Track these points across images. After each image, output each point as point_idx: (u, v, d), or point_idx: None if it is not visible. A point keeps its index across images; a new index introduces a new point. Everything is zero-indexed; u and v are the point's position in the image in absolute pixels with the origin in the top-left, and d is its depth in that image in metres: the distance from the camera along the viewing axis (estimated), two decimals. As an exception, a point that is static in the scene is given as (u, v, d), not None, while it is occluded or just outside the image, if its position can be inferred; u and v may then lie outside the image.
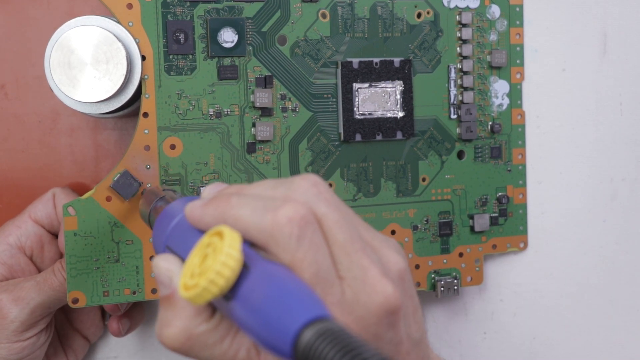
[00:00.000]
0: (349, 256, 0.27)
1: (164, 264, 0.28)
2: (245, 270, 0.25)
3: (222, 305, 0.26)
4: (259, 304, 0.24)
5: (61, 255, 0.44)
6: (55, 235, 0.44)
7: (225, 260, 0.25)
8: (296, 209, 0.26)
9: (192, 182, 0.43)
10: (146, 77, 0.42)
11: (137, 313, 0.46)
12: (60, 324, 0.45)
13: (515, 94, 0.50)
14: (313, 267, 0.26)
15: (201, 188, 0.43)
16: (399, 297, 0.27)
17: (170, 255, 0.29)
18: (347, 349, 0.21)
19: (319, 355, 0.22)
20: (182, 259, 0.29)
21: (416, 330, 0.29)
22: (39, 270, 0.43)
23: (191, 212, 0.29)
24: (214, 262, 0.25)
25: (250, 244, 0.27)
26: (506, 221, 0.50)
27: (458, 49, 0.48)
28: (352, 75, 0.46)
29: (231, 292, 0.25)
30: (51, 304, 0.41)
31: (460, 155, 0.49)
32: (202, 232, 0.28)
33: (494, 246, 0.50)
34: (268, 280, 0.25)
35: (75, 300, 0.41)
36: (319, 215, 0.27)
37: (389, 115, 0.47)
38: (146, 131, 0.42)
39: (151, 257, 0.42)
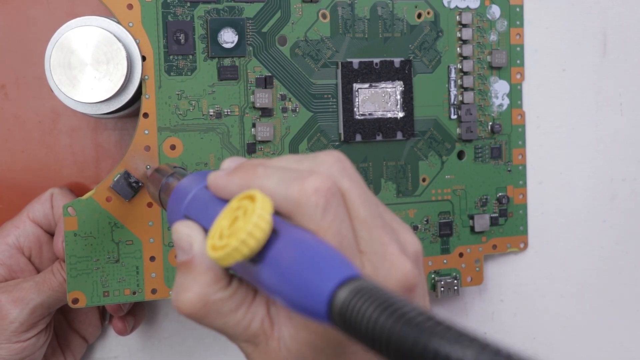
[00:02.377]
0: (370, 231, 0.27)
1: (185, 229, 0.28)
2: (273, 235, 0.25)
3: (247, 270, 0.26)
4: (290, 266, 0.24)
5: None
6: (52, 235, 0.44)
7: (258, 222, 0.25)
8: (322, 180, 0.26)
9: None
10: (146, 77, 0.42)
11: (140, 310, 0.46)
12: (58, 324, 0.45)
13: (515, 94, 0.50)
14: (337, 238, 0.26)
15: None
16: (417, 275, 0.27)
17: (191, 221, 0.29)
18: (385, 305, 0.21)
19: (357, 313, 0.21)
20: (203, 226, 0.28)
21: None
22: (38, 271, 0.43)
23: (215, 181, 0.29)
24: (245, 223, 0.25)
25: (275, 213, 0.27)
26: (506, 221, 0.50)
27: (458, 49, 0.48)
28: (352, 75, 0.46)
29: (259, 255, 0.25)
30: (51, 304, 0.41)
31: (460, 155, 0.49)
32: (225, 201, 0.28)
33: (494, 246, 0.50)
34: (298, 243, 0.25)
35: (76, 301, 0.41)
36: (342, 190, 0.27)
37: (389, 115, 0.47)
38: (146, 131, 0.42)
39: (151, 258, 0.42)
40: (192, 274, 0.28)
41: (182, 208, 0.30)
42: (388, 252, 0.27)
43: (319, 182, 0.26)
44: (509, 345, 0.19)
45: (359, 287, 0.22)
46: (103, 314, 0.46)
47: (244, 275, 0.27)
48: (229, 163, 0.30)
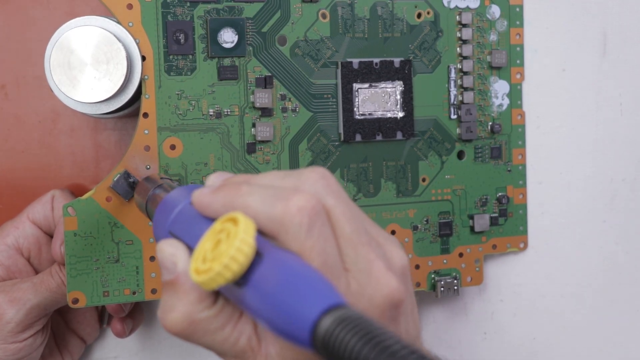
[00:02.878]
0: (356, 249, 0.27)
1: (169, 248, 0.28)
2: (257, 257, 0.25)
3: (232, 292, 0.26)
4: (274, 291, 0.24)
5: None
6: (52, 237, 0.44)
7: (240, 246, 0.25)
8: (307, 199, 0.26)
9: (192, 183, 0.43)
10: (146, 77, 0.42)
11: (138, 313, 0.46)
12: (56, 324, 0.45)
13: (515, 94, 0.50)
14: (321, 257, 0.26)
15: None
16: (403, 291, 0.27)
17: (175, 240, 0.29)
18: (369, 336, 0.21)
19: (341, 343, 0.21)
20: (187, 244, 0.29)
21: (414, 328, 0.29)
22: (37, 272, 0.43)
23: (199, 199, 0.29)
24: (228, 247, 0.25)
25: (259, 233, 0.27)
26: (506, 221, 0.50)
27: (458, 49, 0.48)
28: (352, 75, 0.46)
29: (243, 278, 0.25)
30: (47, 305, 0.41)
31: (460, 155, 0.49)
32: (209, 219, 0.28)
33: (494, 246, 0.50)
34: (282, 267, 0.25)
35: (75, 301, 0.41)
36: (327, 207, 0.27)
37: (389, 115, 0.47)
38: (146, 131, 0.42)
39: (151, 258, 0.42)
40: (177, 294, 0.28)
41: (167, 224, 0.30)
42: (374, 269, 0.27)
43: (303, 200, 0.26)
44: None
45: (342, 317, 0.22)
46: (101, 315, 0.46)
47: (229, 296, 0.27)
48: (214, 179, 0.30)
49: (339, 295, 0.23)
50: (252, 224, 0.25)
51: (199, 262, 0.26)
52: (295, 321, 0.23)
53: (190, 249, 0.28)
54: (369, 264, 0.27)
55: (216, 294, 0.28)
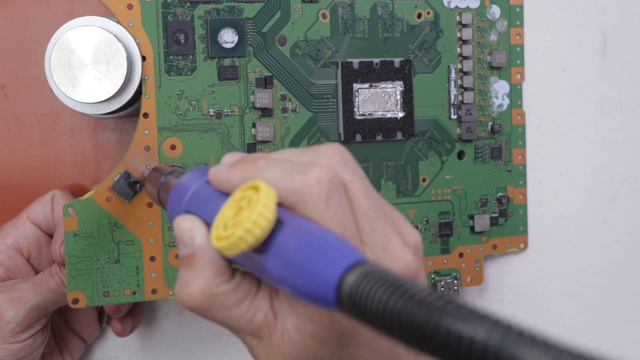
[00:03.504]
0: (372, 223, 0.27)
1: (187, 223, 0.28)
2: (278, 224, 0.25)
3: (252, 261, 0.26)
4: (296, 254, 0.24)
5: None
6: (52, 237, 0.44)
7: (262, 211, 0.25)
8: (325, 171, 0.26)
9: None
10: (146, 77, 0.42)
11: (138, 312, 0.46)
12: (57, 324, 0.45)
13: (515, 95, 0.50)
14: (340, 228, 0.26)
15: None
16: (418, 266, 0.27)
17: (192, 215, 0.29)
18: (395, 286, 0.21)
19: (367, 296, 0.21)
20: (206, 220, 0.28)
21: None
22: (36, 272, 0.43)
23: (217, 175, 0.29)
24: (250, 212, 0.25)
25: (278, 204, 0.27)
26: (506, 221, 0.50)
27: (458, 49, 0.48)
28: (352, 75, 0.46)
29: (264, 245, 0.25)
30: (47, 305, 0.41)
31: (460, 155, 0.49)
32: (226, 194, 0.28)
33: (494, 246, 0.50)
34: (303, 231, 0.25)
35: (76, 301, 0.41)
36: (344, 181, 0.27)
37: (389, 115, 0.47)
38: (146, 132, 0.42)
39: (151, 258, 0.42)
40: (194, 268, 0.28)
41: (183, 204, 0.30)
42: (390, 243, 0.27)
43: (321, 173, 0.26)
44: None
45: (366, 271, 0.22)
46: (101, 315, 0.46)
47: (248, 266, 0.27)
48: (229, 158, 0.30)
49: (360, 253, 0.23)
50: (273, 191, 0.25)
51: (220, 229, 0.26)
52: (319, 281, 0.23)
53: (208, 225, 0.28)
54: (385, 238, 0.27)
55: (233, 270, 0.28)
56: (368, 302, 0.21)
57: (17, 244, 0.42)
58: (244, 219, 0.25)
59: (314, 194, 0.26)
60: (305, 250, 0.24)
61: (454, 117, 0.48)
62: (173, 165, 0.38)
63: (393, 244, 0.27)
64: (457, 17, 0.48)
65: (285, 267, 0.24)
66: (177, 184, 0.31)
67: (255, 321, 0.28)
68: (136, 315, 0.45)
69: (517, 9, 0.50)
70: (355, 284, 0.22)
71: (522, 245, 0.51)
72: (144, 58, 0.41)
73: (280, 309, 0.28)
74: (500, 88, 0.50)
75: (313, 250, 0.24)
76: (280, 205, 0.27)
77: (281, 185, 0.26)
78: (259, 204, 0.25)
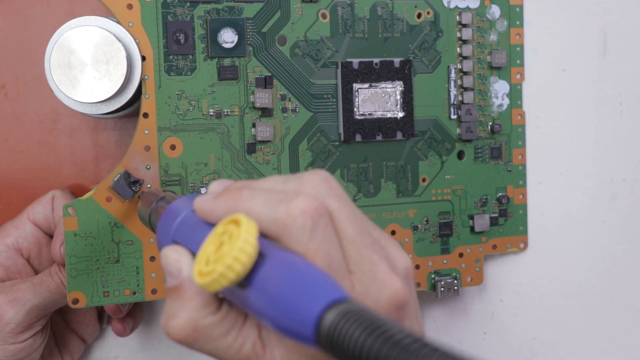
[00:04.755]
0: (359, 251, 0.27)
1: (173, 254, 0.28)
2: (260, 258, 0.25)
3: (236, 295, 0.26)
4: (277, 289, 0.24)
5: None
6: (52, 237, 0.44)
7: (243, 246, 0.25)
8: (309, 201, 0.26)
9: (192, 183, 0.43)
10: (146, 77, 0.42)
11: (139, 312, 0.46)
12: (56, 324, 0.45)
13: (515, 94, 0.50)
14: (326, 259, 0.26)
15: (202, 189, 0.43)
16: (407, 293, 0.27)
17: (179, 246, 0.29)
18: (373, 327, 0.21)
19: (345, 336, 0.21)
20: (192, 251, 0.29)
21: (418, 329, 0.29)
22: (36, 272, 0.43)
23: (201, 205, 0.29)
24: (231, 248, 0.25)
25: (262, 236, 0.27)
26: (506, 221, 0.50)
27: (458, 49, 0.48)
28: (352, 75, 0.46)
29: (246, 279, 0.25)
30: (47, 305, 0.41)
31: (460, 155, 0.49)
32: (212, 225, 0.28)
33: (494, 246, 0.50)
34: (285, 266, 0.25)
35: (76, 301, 0.41)
36: (329, 210, 0.27)
37: (389, 115, 0.47)
38: (146, 131, 0.42)
39: (151, 258, 0.42)
40: (181, 300, 0.28)
41: (171, 232, 0.30)
42: (378, 271, 0.27)
43: (306, 203, 0.26)
44: None
45: (346, 310, 0.22)
46: (101, 314, 0.46)
47: (232, 299, 0.27)
48: (216, 186, 0.30)
49: (342, 290, 0.23)
50: (254, 225, 0.25)
51: (202, 264, 0.26)
52: (299, 318, 0.23)
53: (195, 255, 0.28)
54: (373, 266, 0.27)
55: (220, 300, 0.28)
56: (346, 342, 0.21)
57: (17, 244, 0.42)
58: (225, 254, 0.25)
59: (298, 225, 0.26)
60: (286, 285, 0.24)
61: (453, 117, 0.48)
62: (165, 190, 0.38)
63: (381, 271, 0.27)
64: (457, 17, 0.48)
65: (267, 302, 0.24)
66: (167, 211, 0.31)
67: (243, 351, 0.28)
68: (136, 315, 0.45)
69: (517, 9, 0.50)
70: (334, 323, 0.22)
71: (522, 245, 0.51)
72: (143, 58, 0.41)
73: (269, 339, 0.28)
74: (500, 88, 0.50)
75: (294, 285, 0.24)
76: (264, 236, 0.27)
77: (264, 216, 0.26)
78: (239, 238, 0.25)
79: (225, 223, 0.26)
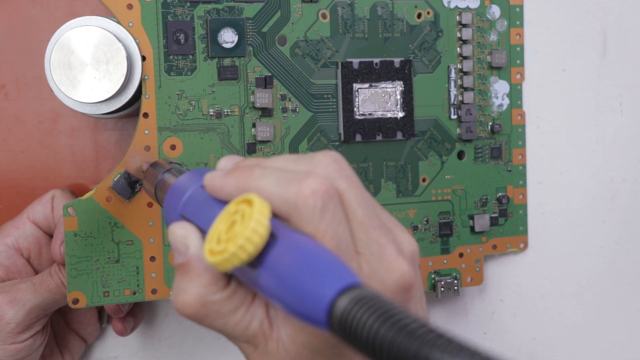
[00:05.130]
0: (368, 232, 0.27)
1: (181, 231, 0.28)
2: (272, 239, 0.25)
3: (246, 274, 0.26)
4: (289, 271, 0.24)
5: None
6: (52, 237, 0.44)
7: (255, 227, 0.25)
8: (320, 182, 0.26)
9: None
10: (146, 77, 0.42)
11: (139, 311, 0.46)
12: (57, 324, 0.45)
13: (515, 95, 0.50)
14: (334, 240, 0.26)
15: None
16: (413, 276, 0.27)
17: (187, 223, 0.29)
18: (386, 315, 0.21)
19: (358, 322, 0.21)
20: (199, 227, 0.28)
21: (422, 313, 0.29)
22: (36, 272, 0.43)
23: (211, 182, 0.29)
24: (243, 228, 0.25)
25: (273, 216, 0.27)
26: (506, 221, 0.50)
27: (458, 49, 0.48)
28: (352, 75, 0.46)
29: (257, 260, 0.25)
30: (47, 305, 0.41)
31: (460, 155, 0.49)
32: (221, 202, 0.28)
33: (494, 246, 0.50)
34: (297, 248, 0.25)
35: (76, 301, 0.41)
36: (339, 191, 0.27)
37: (389, 115, 0.47)
38: (146, 131, 0.42)
39: (152, 258, 0.42)
40: (189, 276, 0.28)
41: (179, 208, 0.30)
42: (385, 253, 0.27)
43: (317, 183, 0.26)
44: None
45: (359, 296, 0.22)
46: (101, 314, 0.46)
47: (242, 279, 0.27)
48: (225, 162, 0.30)
49: (355, 275, 0.23)
50: (267, 205, 0.25)
51: (213, 243, 0.26)
52: (312, 301, 0.23)
53: (203, 231, 0.28)
54: (381, 248, 0.27)
55: (229, 277, 0.28)
56: (359, 328, 0.21)
57: (17, 244, 0.42)
58: (237, 234, 0.25)
59: (308, 205, 0.26)
60: (299, 268, 0.24)
61: (454, 117, 0.48)
62: (171, 162, 0.38)
63: (389, 254, 0.27)
64: (457, 17, 0.48)
65: (278, 283, 0.24)
66: (174, 186, 0.31)
67: (251, 329, 0.28)
68: (137, 314, 0.45)
69: (517, 9, 0.50)
70: (347, 309, 0.22)
71: (522, 245, 0.51)
72: (144, 58, 0.41)
73: (276, 318, 0.28)
74: (500, 88, 0.50)
75: (307, 269, 0.24)
76: (274, 216, 0.26)
77: (276, 195, 0.26)
78: (252, 219, 0.25)
79: (237, 202, 0.26)
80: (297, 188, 0.26)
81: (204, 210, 0.29)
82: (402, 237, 0.29)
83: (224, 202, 0.28)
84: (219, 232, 0.26)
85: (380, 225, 0.28)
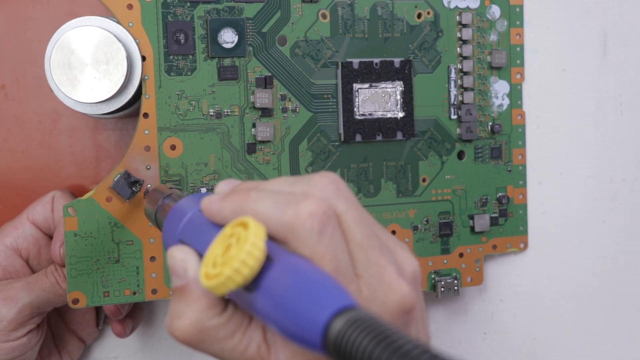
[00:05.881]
0: (367, 254, 0.27)
1: (180, 254, 0.28)
2: (268, 262, 0.25)
3: (242, 298, 0.26)
4: (284, 294, 0.24)
5: None
6: (51, 238, 0.44)
7: (251, 250, 0.24)
8: (317, 203, 0.26)
9: (192, 183, 0.43)
10: (146, 77, 0.42)
11: (138, 312, 0.46)
12: (55, 324, 0.45)
13: (515, 95, 0.50)
14: (333, 263, 0.26)
15: (202, 188, 0.43)
16: (414, 297, 0.27)
17: (186, 246, 0.29)
18: (381, 337, 0.21)
19: (353, 344, 0.21)
20: (198, 251, 0.28)
21: (424, 335, 0.29)
22: (34, 273, 0.43)
23: (209, 206, 0.28)
24: (238, 251, 0.25)
25: (269, 238, 0.27)
26: (506, 221, 0.50)
27: (458, 49, 0.48)
28: (352, 75, 0.46)
29: (254, 283, 0.25)
30: (40, 304, 0.41)
31: (460, 155, 0.49)
32: (219, 226, 0.28)
33: (494, 246, 0.50)
34: (293, 270, 0.24)
35: (76, 301, 0.41)
36: (337, 212, 0.27)
37: (389, 115, 0.47)
38: (146, 132, 0.42)
39: (152, 258, 0.42)
40: (186, 300, 0.27)
41: (177, 231, 0.30)
42: (385, 275, 0.27)
43: (314, 205, 0.26)
44: None
45: (354, 318, 0.22)
46: (99, 315, 0.46)
47: (238, 302, 0.27)
48: (223, 186, 0.30)
49: (350, 297, 0.23)
50: (262, 228, 0.25)
51: (209, 267, 0.26)
52: (307, 324, 0.23)
53: (201, 255, 0.28)
54: (381, 270, 0.27)
55: (226, 301, 0.28)
56: (354, 350, 0.21)
57: (16, 245, 0.42)
58: (233, 257, 0.25)
59: (306, 228, 0.25)
60: (294, 291, 0.24)
61: (454, 117, 0.48)
62: (171, 187, 0.38)
63: (389, 275, 0.27)
64: (457, 17, 0.48)
65: (274, 307, 0.24)
66: (173, 210, 0.31)
67: (248, 353, 0.28)
68: (136, 315, 0.45)
69: (517, 9, 0.50)
70: (342, 331, 0.22)
71: (522, 245, 0.51)
72: (144, 58, 0.41)
73: (274, 341, 0.27)
74: (500, 88, 0.50)
75: (302, 291, 0.24)
76: (271, 239, 0.26)
77: (272, 218, 0.26)
78: (247, 242, 0.25)
79: (233, 225, 0.26)
80: (294, 210, 0.26)
81: (202, 234, 0.29)
82: (402, 257, 0.28)
83: (221, 226, 0.28)
84: (214, 255, 0.26)
85: (380, 246, 0.27)
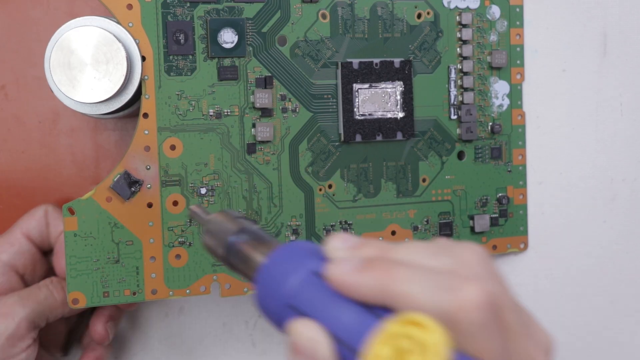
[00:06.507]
0: (517, 341, 0.25)
1: (307, 331, 0.25)
2: None
3: None
4: None
5: (51, 274, 0.44)
6: (44, 253, 0.43)
7: None
8: (479, 291, 0.24)
9: (192, 183, 0.43)
10: (146, 77, 0.42)
11: (119, 313, 0.45)
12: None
13: (515, 95, 0.50)
14: (492, 355, 0.24)
15: (202, 189, 0.43)
16: None
17: (313, 324, 0.25)
18: None
19: None
20: (323, 325, 0.25)
21: None
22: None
23: (342, 278, 0.25)
24: None
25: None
26: (506, 222, 0.50)
27: (458, 49, 0.48)
28: (352, 75, 0.46)
29: None
30: (35, 318, 0.40)
31: (460, 155, 0.49)
32: (352, 300, 0.25)
33: (494, 247, 0.50)
34: None
35: (76, 301, 0.41)
36: (494, 297, 0.25)
37: (389, 115, 0.47)
38: (146, 132, 0.42)
39: (152, 258, 0.42)
40: None
41: (283, 294, 0.26)
42: None
43: (476, 294, 0.24)
44: None
45: None
46: (68, 343, 0.45)
47: None
48: (338, 245, 0.27)
49: None
50: (444, 334, 0.22)
51: None
52: None
53: (327, 330, 0.25)
54: (529, 358, 0.26)
55: None
56: None
57: (12, 261, 0.42)
58: None
59: (471, 321, 0.23)
60: None
61: (454, 117, 0.48)
62: (239, 217, 0.31)
63: None
64: (457, 17, 0.48)
65: None
66: (271, 266, 0.27)
67: None
68: (118, 318, 0.45)
69: (517, 9, 0.50)
70: None
71: (522, 246, 0.51)
72: (143, 58, 0.41)
73: None
74: (500, 88, 0.50)
75: None
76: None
77: (429, 305, 0.24)
78: (437, 355, 0.22)
79: (401, 322, 0.23)
80: (455, 298, 0.23)
81: (329, 308, 0.25)
82: (538, 332, 0.27)
83: (354, 301, 0.25)
84: (380, 357, 0.23)
85: (527, 332, 0.26)
